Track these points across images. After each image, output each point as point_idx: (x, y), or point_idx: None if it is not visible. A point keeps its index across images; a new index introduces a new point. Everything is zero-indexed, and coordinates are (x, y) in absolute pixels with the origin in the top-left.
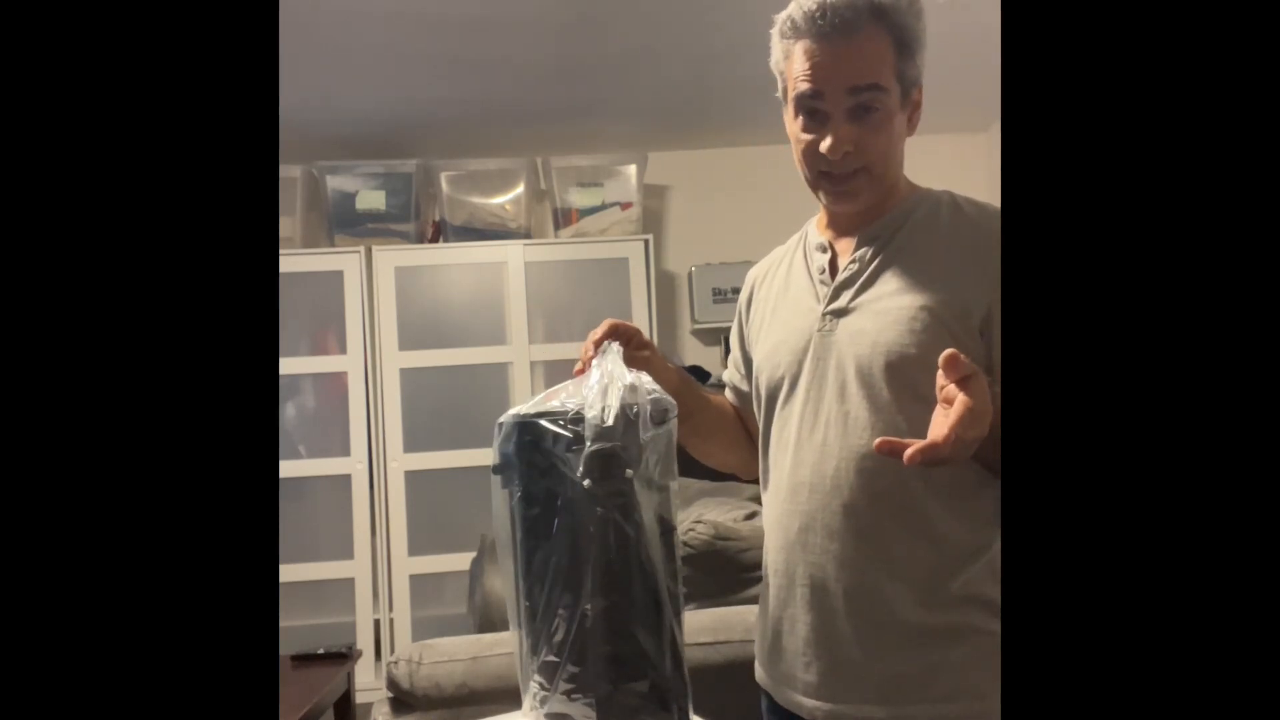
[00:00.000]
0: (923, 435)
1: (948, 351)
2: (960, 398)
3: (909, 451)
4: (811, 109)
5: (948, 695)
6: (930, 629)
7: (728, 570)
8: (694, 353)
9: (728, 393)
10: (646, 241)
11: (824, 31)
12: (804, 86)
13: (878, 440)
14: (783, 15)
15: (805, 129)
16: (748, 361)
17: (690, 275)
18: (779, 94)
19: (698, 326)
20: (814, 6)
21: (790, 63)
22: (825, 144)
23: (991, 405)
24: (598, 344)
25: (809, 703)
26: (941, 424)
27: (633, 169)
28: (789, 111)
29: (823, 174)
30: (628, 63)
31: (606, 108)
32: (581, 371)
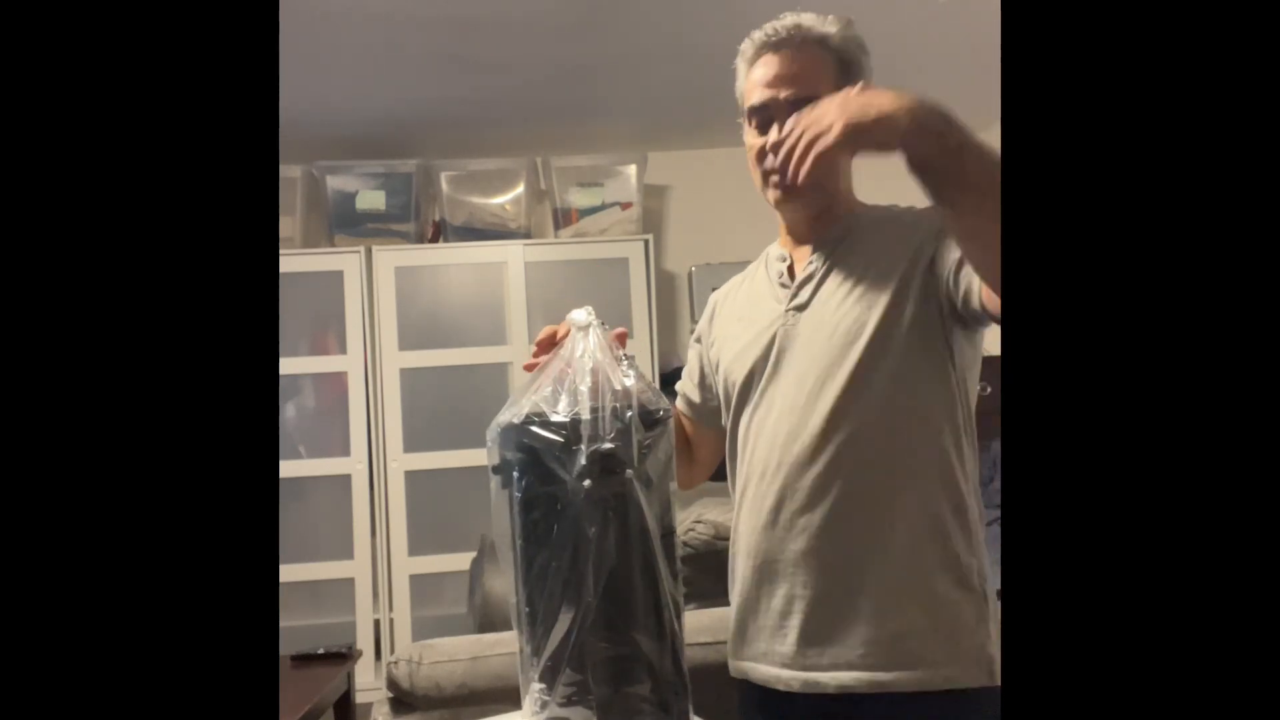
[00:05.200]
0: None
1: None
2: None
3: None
4: (763, 117)
5: (918, 662)
6: (903, 596)
7: (728, 570)
8: None
9: (679, 401)
10: (646, 241)
11: (773, 45)
12: (754, 98)
13: None
14: (744, 43)
15: (758, 134)
16: (703, 377)
17: (690, 275)
18: (740, 120)
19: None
20: (769, 29)
21: (748, 82)
22: (770, 138)
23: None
24: (549, 344)
25: (785, 673)
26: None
27: (633, 169)
28: (747, 127)
29: (769, 172)
30: (628, 63)
31: (606, 108)
32: (533, 367)
